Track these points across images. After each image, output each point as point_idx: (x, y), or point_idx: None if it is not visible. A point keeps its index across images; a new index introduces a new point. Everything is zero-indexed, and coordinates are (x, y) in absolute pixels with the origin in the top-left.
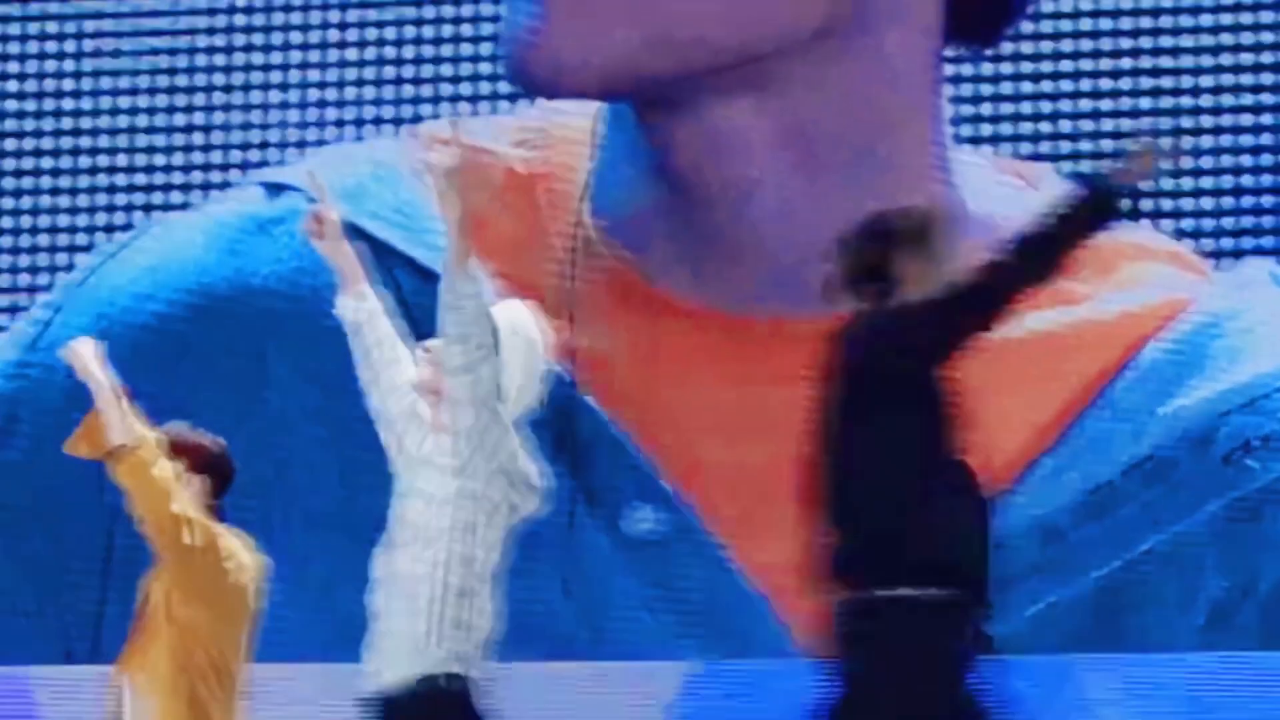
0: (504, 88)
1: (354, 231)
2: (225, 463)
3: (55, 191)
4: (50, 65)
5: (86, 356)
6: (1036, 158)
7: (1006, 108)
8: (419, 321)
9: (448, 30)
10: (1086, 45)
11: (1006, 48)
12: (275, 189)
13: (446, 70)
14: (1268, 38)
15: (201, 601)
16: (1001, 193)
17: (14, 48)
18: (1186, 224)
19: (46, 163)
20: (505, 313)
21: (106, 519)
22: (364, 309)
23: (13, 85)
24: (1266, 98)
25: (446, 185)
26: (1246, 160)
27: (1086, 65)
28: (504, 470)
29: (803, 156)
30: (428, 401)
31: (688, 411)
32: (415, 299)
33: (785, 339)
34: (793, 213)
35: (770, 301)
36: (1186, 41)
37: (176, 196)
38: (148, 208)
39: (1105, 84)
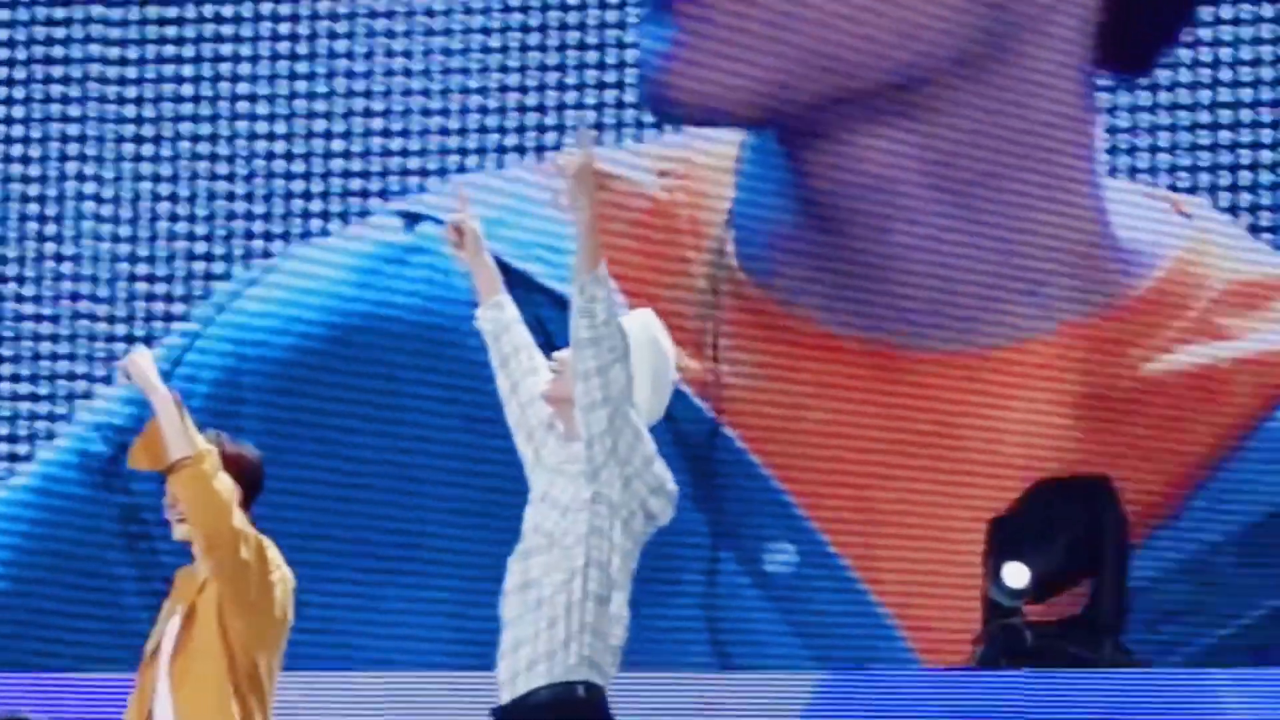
0: (646, 115)
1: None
2: (259, 473)
3: (193, 219)
4: (187, 90)
5: (145, 367)
6: (1192, 190)
7: (1163, 137)
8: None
9: (591, 57)
10: (1246, 74)
11: (1162, 75)
12: (413, 218)
13: (589, 98)
14: None
15: (252, 612)
16: (1155, 222)
17: (150, 72)
18: None
19: (183, 190)
20: (634, 321)
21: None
22: (502, 319)
23: (149, 110)
24: None
25: (576, 187)
26: None
27: (1245, 95)
28: (638, 475)
29: (945, 186)
30: (556, 410)
31: (824, 437)
32: (556, 329)
33: (924, 367)
34: (934, 242)
35: (909, 330)
36: None
37: (315, 224)
38: (286, 236)
39: (1265, 114)
